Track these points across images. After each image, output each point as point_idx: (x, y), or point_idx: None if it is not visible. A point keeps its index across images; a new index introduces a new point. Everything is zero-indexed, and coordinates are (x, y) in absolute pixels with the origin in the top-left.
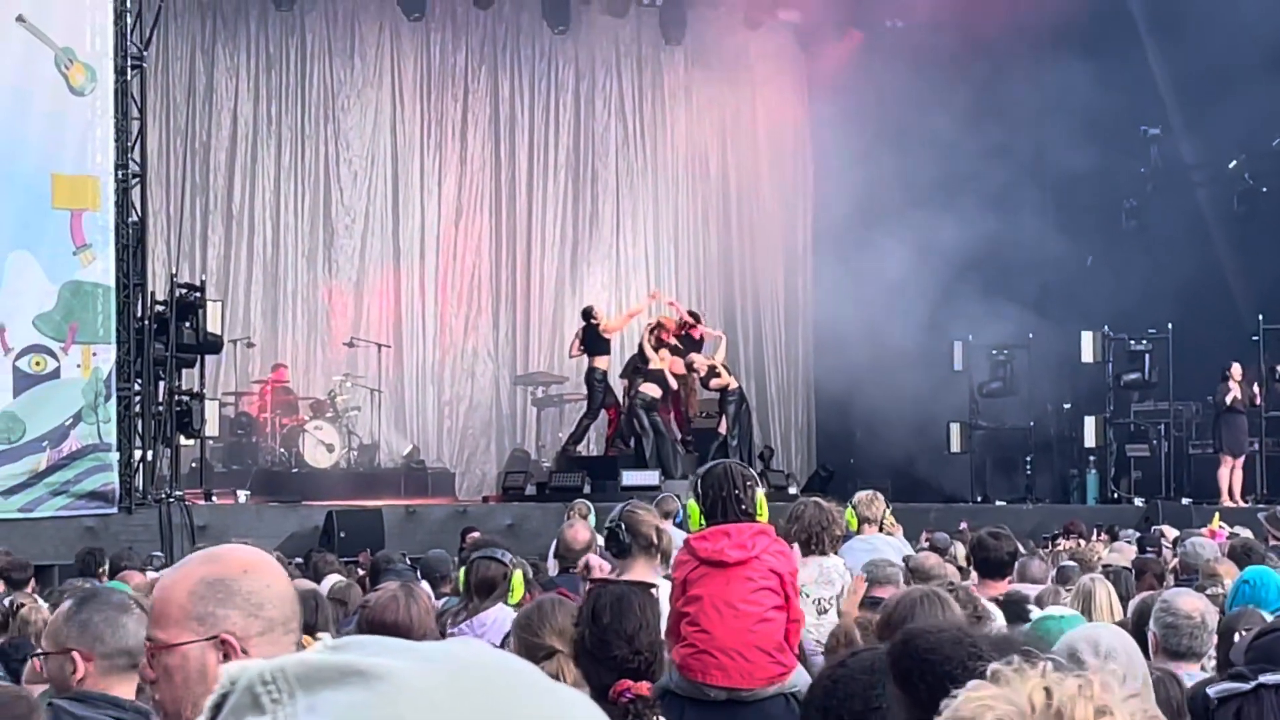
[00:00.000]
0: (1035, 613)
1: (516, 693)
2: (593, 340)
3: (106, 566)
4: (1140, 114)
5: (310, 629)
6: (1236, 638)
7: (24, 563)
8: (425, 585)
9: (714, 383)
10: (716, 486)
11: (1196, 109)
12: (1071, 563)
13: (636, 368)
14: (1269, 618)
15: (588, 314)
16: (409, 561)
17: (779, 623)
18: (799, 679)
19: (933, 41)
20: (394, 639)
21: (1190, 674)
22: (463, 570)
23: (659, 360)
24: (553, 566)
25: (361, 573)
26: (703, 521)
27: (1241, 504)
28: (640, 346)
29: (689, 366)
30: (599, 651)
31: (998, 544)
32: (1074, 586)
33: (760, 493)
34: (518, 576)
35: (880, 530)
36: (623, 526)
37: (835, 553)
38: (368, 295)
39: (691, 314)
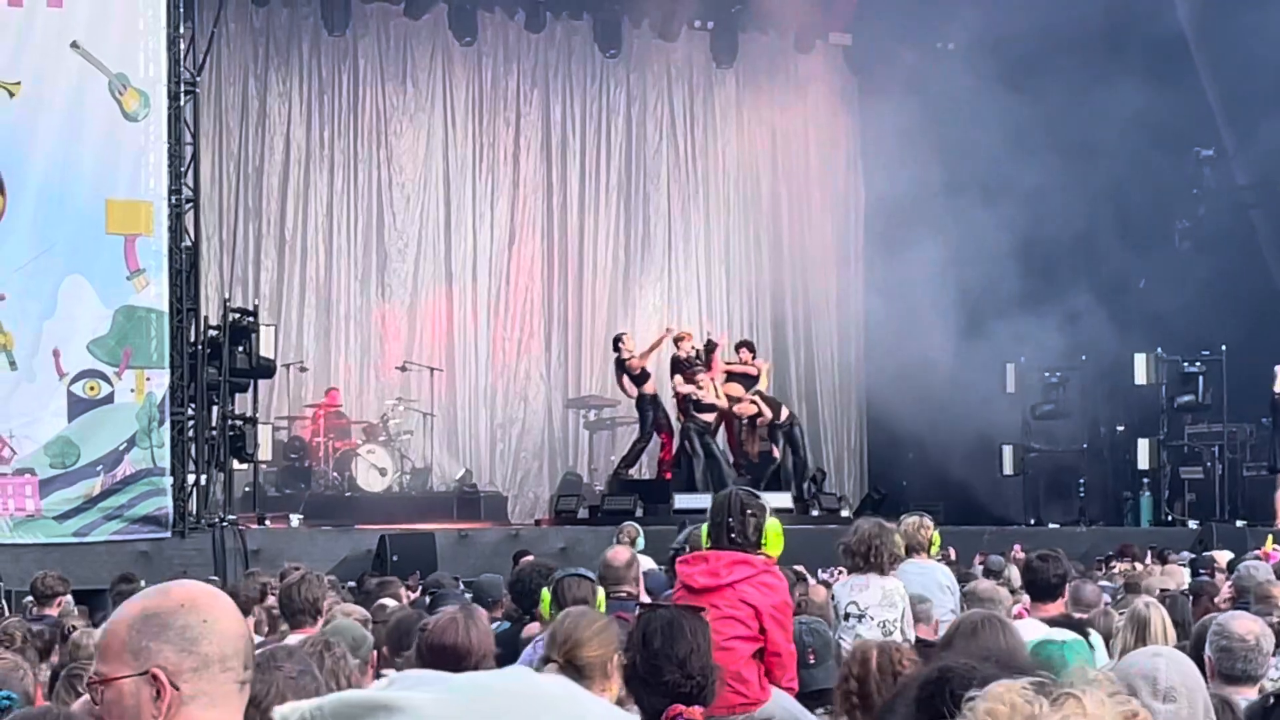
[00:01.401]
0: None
1: (535, 718)
2: (629, 370)
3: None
4: (1193, 134)
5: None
6: None
7: (53, 582)
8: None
9: (759, 421)
10: (717, 513)
11: (1248, 129)
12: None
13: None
14: None
15: (616, 344)
16: (461, 586)
17: (740, 652)
18: (773, 710)
19: (983, 63)
20: (439, 673)
21: (1246, 698)
22: (548, 591)
23: (697, 391)
24: None
25: (413, 595)
26: (708, 545)
27: None
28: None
29: (732, 411)
30: (651, 676)
31: (1046, 566)
32: (1126, 610)
33: (770, 523)
34: (601, 595)
35: (929, 556)
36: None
37: (895, 573)
38: (420, 319)
39: (746, 344)
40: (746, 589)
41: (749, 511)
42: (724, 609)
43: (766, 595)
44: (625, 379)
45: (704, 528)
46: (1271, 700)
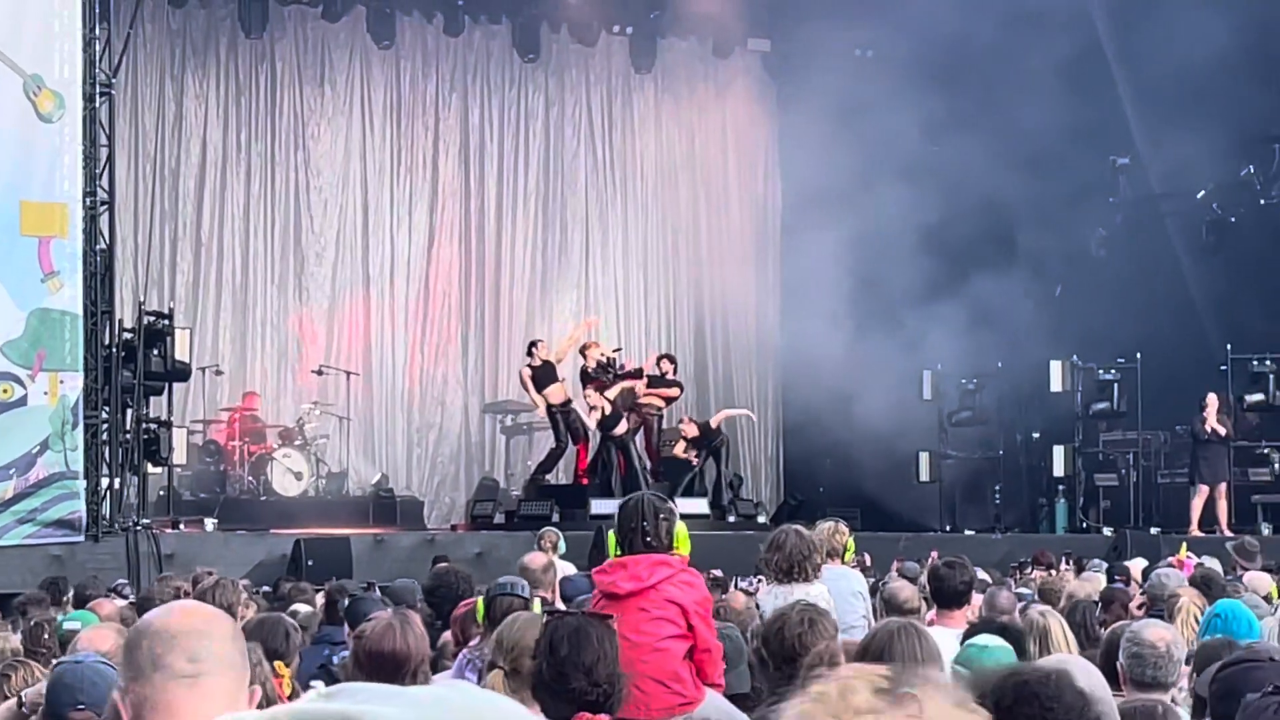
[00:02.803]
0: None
1: None
2: (541, 376)
3: (70, 595)
4: (1109, 143)
5: (281, 656)
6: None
7: None
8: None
9: (686, 434)
10: (628, 519)
11: (1164, 139)
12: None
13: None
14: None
15: (530, 351)
16: (378, 591)
17: (675, 652)
18: (708, 710)
19: (901, 70)
20: (385, 686)
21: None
22: (482, 603)
23: (600, 401)
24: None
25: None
26: (618, 552)
27: (1228, 534)
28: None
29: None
30: (557, 684)
31: (953, 574)
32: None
33: (679, 526)
34: (536, 606)
35: (843, 562)
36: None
37: (818, 579)
38: (338, 323)
39: (668, 356)
40: (670, 588)
41: (661, 515)
42: (653, 611)
43: (689, 592)
44: (531, 390)
45: (611, 535)
46: (1271, 689)
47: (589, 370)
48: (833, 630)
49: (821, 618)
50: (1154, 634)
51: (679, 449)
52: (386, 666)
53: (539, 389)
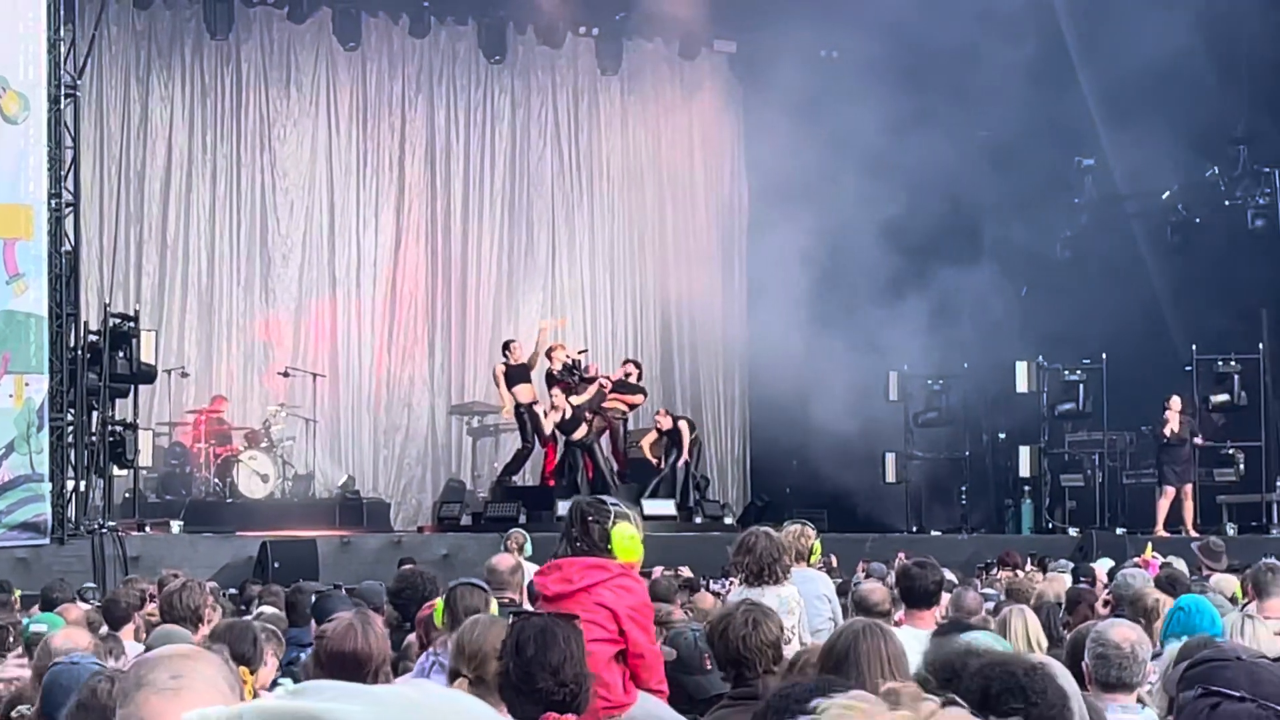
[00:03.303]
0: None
1: None
2: (513, 374)
3: (17, 597)
4: (1074, 145)
5: (248, 662)
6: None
7: None
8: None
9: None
10: (566, 522)
11: (1130, 140)
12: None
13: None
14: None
15: (505, 349)
16: (344, 592)
17: (599, 656)
18: (637, 714)
19: (867, 71)
20: (350, 684)
21: (1125, 705)
22: (442, 601)
23: (563, 403)
24: None
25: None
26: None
27: (1194, 534)
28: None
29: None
30: (524, 684)
31: (924, 574)
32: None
33: (620, 527)
34: (494, 606)
35: (809, 564)
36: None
37: (789, 581)
38: (304, 324)
39: (634, 362)
40: (602, 592)
41: (590, 518)
42: (580, 614)
43: (623, 597)
44: (502, 387)
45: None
46: (1199, 691)
47: (554, 372)
48: (778, 631)
49: (766, 618)
50: (1119, 634)
51: (649, 440)
52: (348, 666)
53: (509, 387)
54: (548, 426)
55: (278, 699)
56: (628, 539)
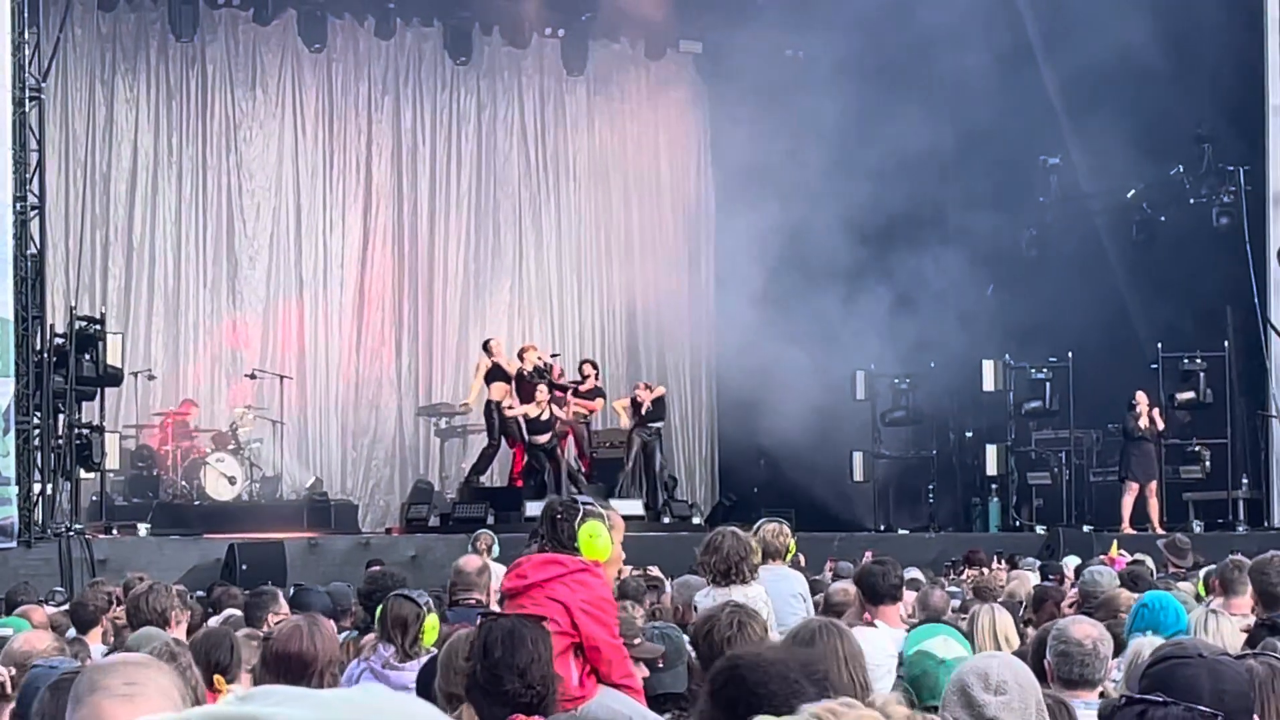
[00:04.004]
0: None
1: None
2: (490, 372)
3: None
4: (1040, 144)
5: (225, 669)
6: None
7: None
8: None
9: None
10: (537, 521)
11: (1094, 138)
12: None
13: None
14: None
15: (485, 346)
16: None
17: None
18: (594, 708)
19: (833, 70)
20: (296, 689)
21: (1087, 702)
22: (379, 608)
23: (530, 411)
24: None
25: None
26: None
27: (1160, 531)
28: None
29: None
30: (491, 686)
31: (886, 571)
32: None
33: (588, 525)
34: (431, 620)
35: (784, 562)
36: None
37: (755, 581)
38: (272, 326)
39: (590, 362)
40: (555, 587)
41: (558, 516)
42: (531, 608)
43: (577, 591)
44: (479, 378)
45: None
46: (1123, 700)
47: (524, 373)
48: (762, 633)
49: (751, 620)
50: (1080, 631)
51: (623, 415)
52: (293, 667)
53: (487, 382)
54: (516, 419)
55: (223, 705)
56: (593, 537)
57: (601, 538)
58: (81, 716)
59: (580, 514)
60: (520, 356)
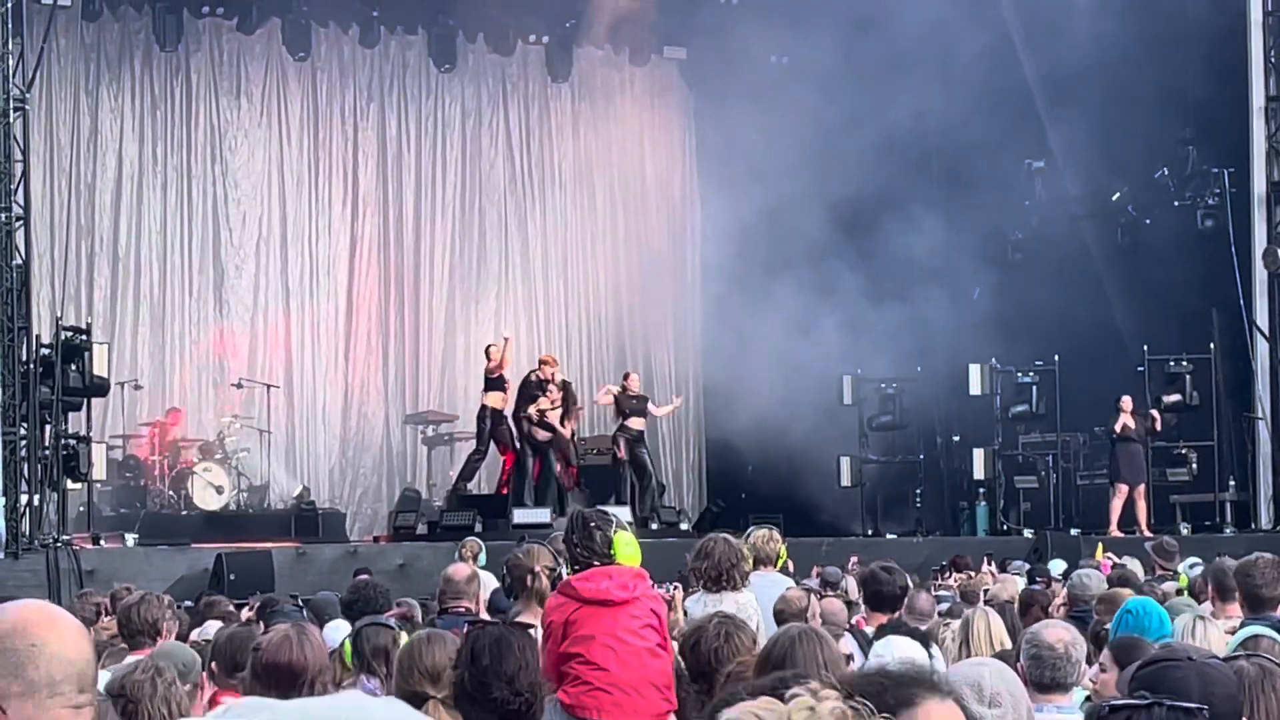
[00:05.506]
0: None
1: None
2: (490, 381)
3: None
4: (1025, 147)
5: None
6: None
7: None
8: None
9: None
10: (568, 530)
11: (1080, 142)
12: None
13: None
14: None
15: (488, 352)
16: (299, 603)
17: (665, 660)
18: None
19: (817, 75)
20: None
21: (1060, 706)
22: (348, 642)
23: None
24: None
25: (248, 615)
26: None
27: (1148, 533)
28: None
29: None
30: (479, 694)
31: (890, 578)
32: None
33: (620, 535)
34: (403, 637)
35: (775, 568)
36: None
37: (746, 587)
38: (258, 335)
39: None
40: (649, 600)
41: (592, 524)
42: (642, 619)
43: (660, 605)
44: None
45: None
46: (1106, 710)
47: (532, 382)
48: (750, 643)
49: (739, 631)
50: (1053, 635)
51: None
52: (283, 677)
53: (485, 390)
54: (517, 419)
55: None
56: (627, 545)
57: (633, 546)
58: (28, 714)
59: (614, 524)
60: (540, 365)
